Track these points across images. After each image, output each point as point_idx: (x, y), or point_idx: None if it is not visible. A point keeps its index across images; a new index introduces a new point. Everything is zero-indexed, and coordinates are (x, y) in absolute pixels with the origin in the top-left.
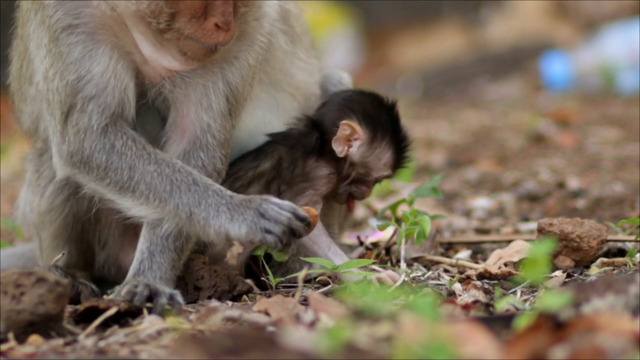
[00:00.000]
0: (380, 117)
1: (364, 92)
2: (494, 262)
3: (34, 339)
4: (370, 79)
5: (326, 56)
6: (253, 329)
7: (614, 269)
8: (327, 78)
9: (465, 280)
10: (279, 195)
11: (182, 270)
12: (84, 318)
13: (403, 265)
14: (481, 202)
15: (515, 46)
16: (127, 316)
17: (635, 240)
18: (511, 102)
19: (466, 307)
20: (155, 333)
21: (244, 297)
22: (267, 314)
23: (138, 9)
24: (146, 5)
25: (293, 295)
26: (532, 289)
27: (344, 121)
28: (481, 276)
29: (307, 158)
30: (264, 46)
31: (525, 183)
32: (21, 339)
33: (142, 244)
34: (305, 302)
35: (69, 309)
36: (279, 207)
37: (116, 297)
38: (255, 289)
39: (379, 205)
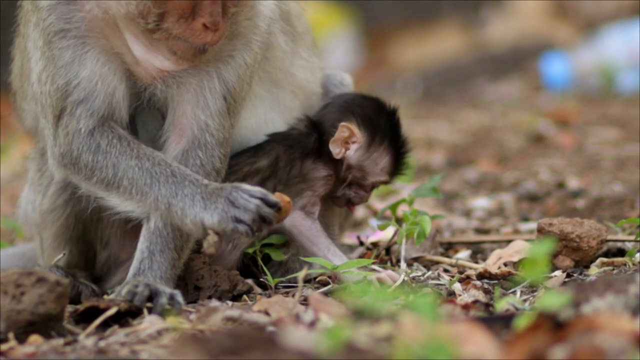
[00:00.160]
0: (380, 122)
1: (366, 97)
2: (493, 262)
3: (34, 338)
4: (370, 79)
5: (326, 56)
6: (253, 328)
7: (613, 269)
8: (328, 79)
9: (465, 280)
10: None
11: (183, 270)
12: (84, 318)
13: (403, 265)
14: (481, 202)
15: (515, 46)
16: (127, 316)
17: (635, 240)
18: (511, 102)
19: (466, 307)
20: (156, 333)
21: (244, 297)
22: (267, 313)
23: (128, 11)
24: (134, 6)
25: (293, 295)
26: (532, 288)
27: (343, 123)
28: (481, 276)
29: (305, 159)
30: (261, 45)
31: (525, 183)
32: (21, 338)
33: (141, 243)
34: (305, 302)
35: (69, 308)
36: (249, 195)
37: (116, 297)
38: (256, 289)
39: (379, 205)
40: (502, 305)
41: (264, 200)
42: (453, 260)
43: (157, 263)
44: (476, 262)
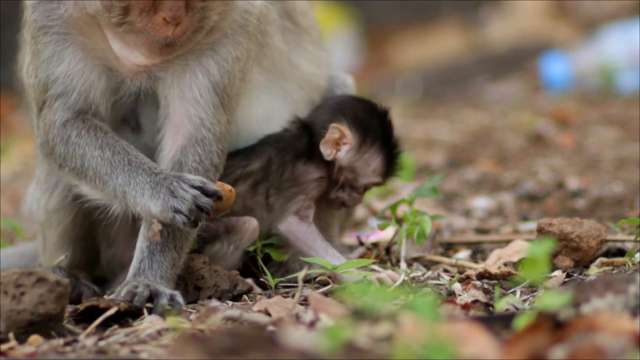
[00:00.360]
0: (371, 123)
1: (358, 98)
2: (493, 262)
3: (35, 338)
4: (370, 79)
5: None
6: (253, 328)
7: (613, 269)
8: (331, 79)
9: (465, 280)
10: (267, 198)
11: (183, 269)
12: (84, 318)
13: (403, 265)
14: (481, 202)
15: (515, 46)
16: (127, 316)
17: (635, 240)
18: (511, 102)
19: (466, 307)
20: (156, 333)
21: (244, 297)
22: (267, 313)
23: (97, 7)
24: (100, 2)
25: (293, 296)
26: (532, 288)
27: (333, 124)
28: (481, 276)
29: (297, 161)
30: (252, 39)
31: (525, 183)
32: (21, 338)
33: (141, 242)
34: (305, 302)
35: (70, 308)
36: (188, 185)
37: (116, 298)
38: (256, 289)
39: (379, 205)
40: (502, 305)
41: (203, 190)
42: (453, 260)
43: (157, 262)
44: (476, 262)
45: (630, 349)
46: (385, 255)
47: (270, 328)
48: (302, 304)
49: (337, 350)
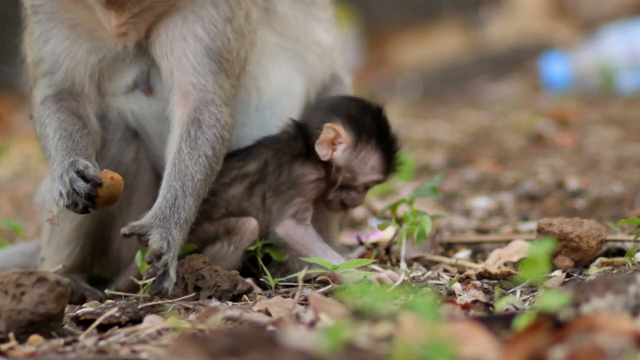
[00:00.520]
0: (365, 121)
1: (351, 97)
2: (493, 262)
3: (35, 338)
4: (370, 79)
5: None
6: (253, 328)
7: (613, 269)
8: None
9: (465, 280)
10: (264, 200)
11: (182, 270)
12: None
13: (403, 265)
14: (481, 202)
15: (515, 46)
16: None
17: (635, 240)
18: (511, 102)
19: (466, 307)
20: (156, 333)
21: (244, 297)
22: (267, 313)
23: None
24: None
25: (293, 296)
26: (532, 288)
27: (327, 124)
28: (481, 276)
29: (293, 163)
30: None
31: (525, 183)
32: (22, 338)
33: (163, 188)
34: (305, 302)
35: (70, 313)
36: (72, 169)
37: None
38: (256, 289)
39: (379, 205)
40: (502, 305)
41: (82, 174)
42: (453, 260)
43: (178, 206)
44: (476, 262)
45: (630, 349)
46: (385, 255)
47: (270, 328)
48: (302, 304)
49: (337, 350)
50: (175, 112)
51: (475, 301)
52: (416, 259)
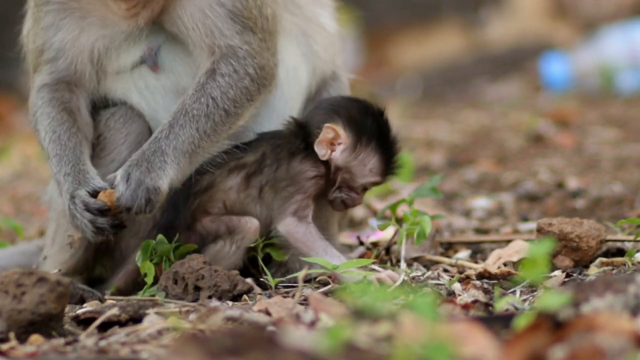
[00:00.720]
0: (366, 123)
1: (353, 98)
2: (493, 262)
3: (35, 338)
4: (370, 79)
5: None
6: (253, 328)
7: (613, 269)
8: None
9: (465, 280)
10: (261, 192)
11: (182, 270)
12: (85, 318)
13: (403, 265)
14: (481, 202)
15: (515, 46)
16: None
17: (635, 240)
18: (510, 103)
19: (466, 307)
20: (156, 333)
21: (244, 297)
22: (267, 313)
23: None
24: None
25: (293, 296)
26: (532, 288)
27: (327, 124)
28: (481, 276)
29: (292, 159)
30: None
31: (525, 183)
32: (22, 338)
33: (165, 120)
34: (305, 302)
35: (71, 313)
36: (82, 208)
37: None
38: (256, 289)
39: (379, 205)
40: (502, 305)
41: (91, 210)
42: (453, 260)
43: (174, 134)
44: (476, 262)
45: (630, 349)
46: (385, 255)
47: (271, 328)
48: (302, 304)
49: (337, 350)
50: (200, 65)
51: (475, 301)
52: (416, 259)
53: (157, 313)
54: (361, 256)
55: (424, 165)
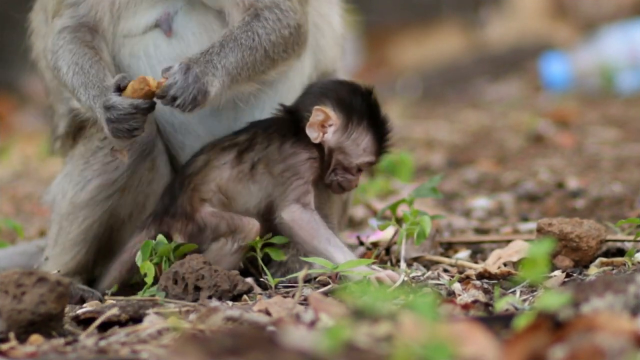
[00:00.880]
0: (356, 103)
1: (341, 81)
2: (493, 262)
3: (35, 338)
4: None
5: None
6: (253, 328)
7: (613, 269)
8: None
9: (465, 280)
10: (253, 168)
11: (182, 269)
12: (85, 318)
13: (403, 265)
14: (481, 202)
15: (515, 46)
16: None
17: (635, 240)
18: (510, 103)
19: (466, 307)
20: (156, 332)
21: (244, 297)
22: (267, 313)
23: None
24: None
25: (293, 296)
26: (532, 288)
27: (316, 107)
28: (481, 276)
29: (284, 141)
30: None
31: (525, 183)
32: (22, 338)
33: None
34: (305, 302)
35: (71, 313)
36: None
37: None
38: (256, 289)
39: (379, 205)
40: (502, 305)
41: (133, 107)
42: (453, 260)
43: (224, 53)
44: (476, 262)
45: (630, 349)
46: (385, 255)
47: (271, 328)
48: (302, 304)
49: (337, 350)
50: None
51: (475, 301)
52: (416, 259)
53: (157, 313)
54: (361, 256)
55: (424, 165)
